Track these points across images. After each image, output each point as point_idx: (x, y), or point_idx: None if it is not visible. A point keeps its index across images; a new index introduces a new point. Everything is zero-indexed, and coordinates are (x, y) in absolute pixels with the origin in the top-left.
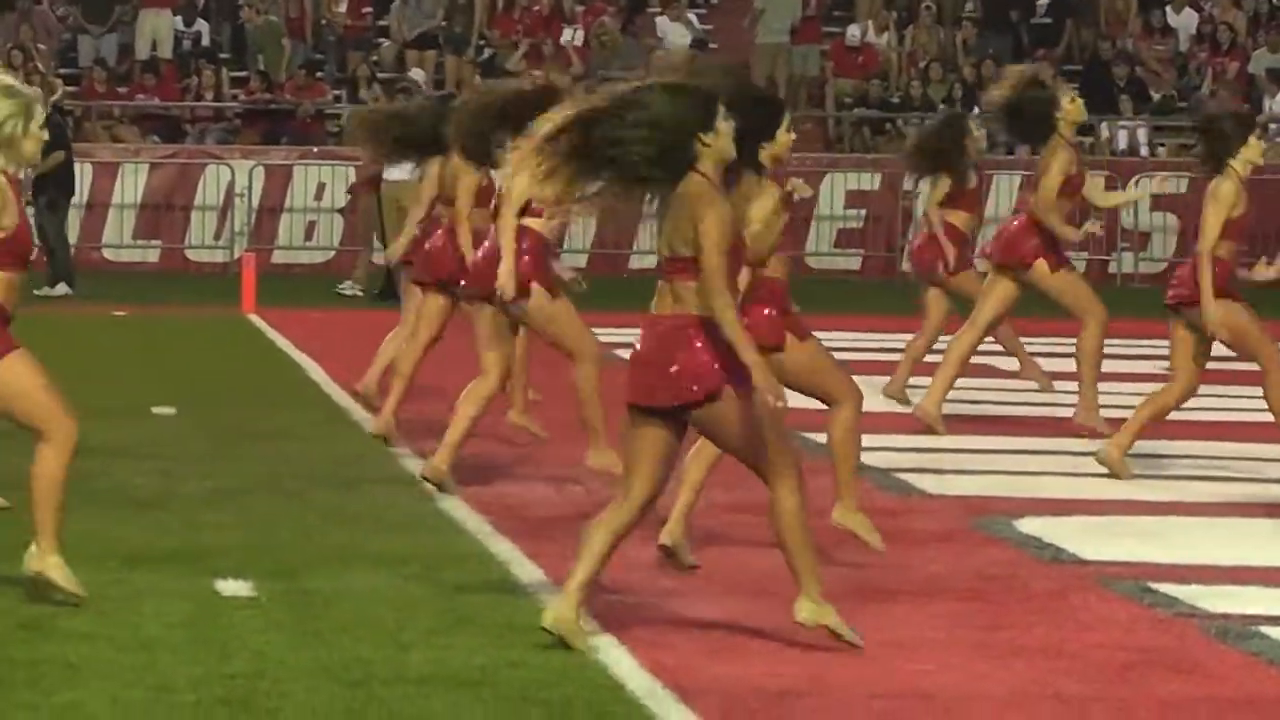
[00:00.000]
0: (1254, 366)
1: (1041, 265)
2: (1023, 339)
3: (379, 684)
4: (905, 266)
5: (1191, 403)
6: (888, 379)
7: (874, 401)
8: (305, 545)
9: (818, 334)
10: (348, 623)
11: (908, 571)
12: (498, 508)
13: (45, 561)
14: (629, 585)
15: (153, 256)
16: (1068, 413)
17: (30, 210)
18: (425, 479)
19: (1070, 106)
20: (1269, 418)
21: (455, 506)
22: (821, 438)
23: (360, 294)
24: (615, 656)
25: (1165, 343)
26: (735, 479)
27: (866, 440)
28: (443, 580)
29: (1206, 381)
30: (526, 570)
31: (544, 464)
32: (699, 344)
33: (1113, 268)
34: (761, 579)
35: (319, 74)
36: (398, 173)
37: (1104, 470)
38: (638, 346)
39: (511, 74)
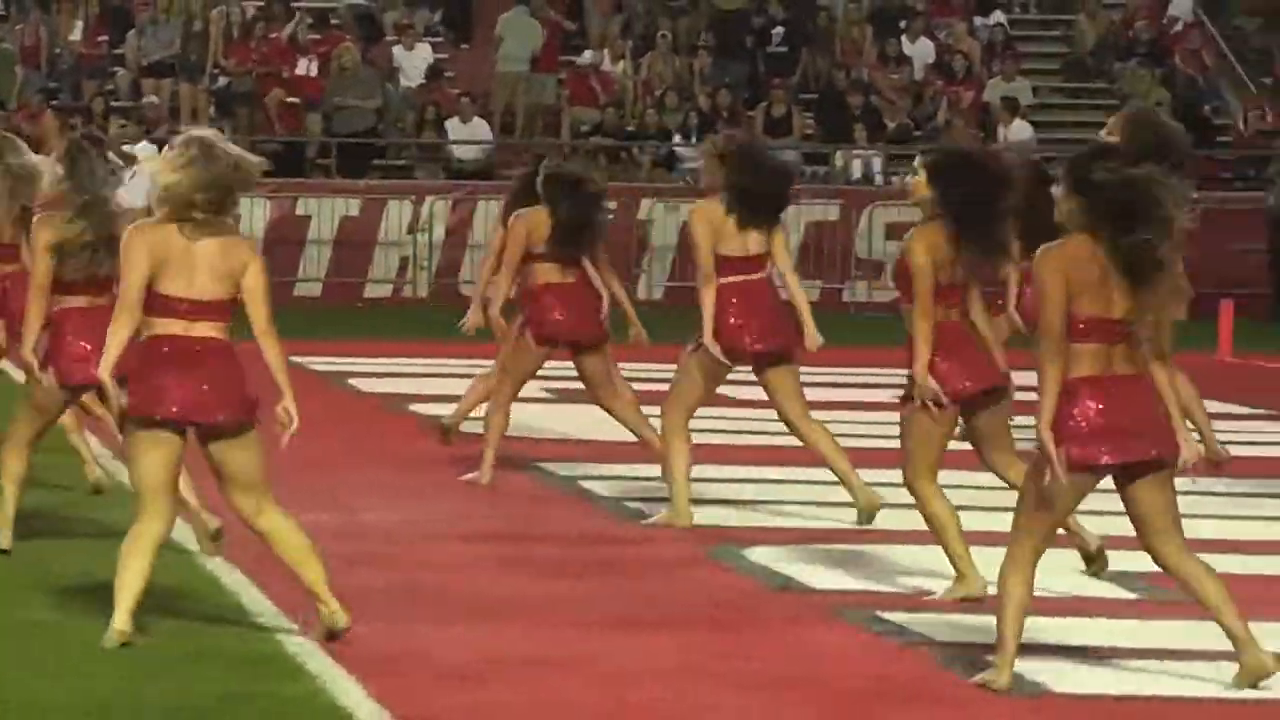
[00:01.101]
0: None
1: None
2: None
3: (118, 714)
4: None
5: None
6: None
7: (608, 432)
8: (42, 573)
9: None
10: (84, 654)
11: (643, 600)
12: (230, 538)
13: None
14: (359, 614)
15: None
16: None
17: None
18: None
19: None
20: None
21: (187, 538)
22: None
23: None
24: (345, 687)
25: (901, 371)
26: (469, 509)
27: (601, 470)
28: (178, 612)
29: None
30: (256, 599)
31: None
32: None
33: (846, 296)
34: (495, 608)
35: (54, 102)
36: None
37: (824, 499)
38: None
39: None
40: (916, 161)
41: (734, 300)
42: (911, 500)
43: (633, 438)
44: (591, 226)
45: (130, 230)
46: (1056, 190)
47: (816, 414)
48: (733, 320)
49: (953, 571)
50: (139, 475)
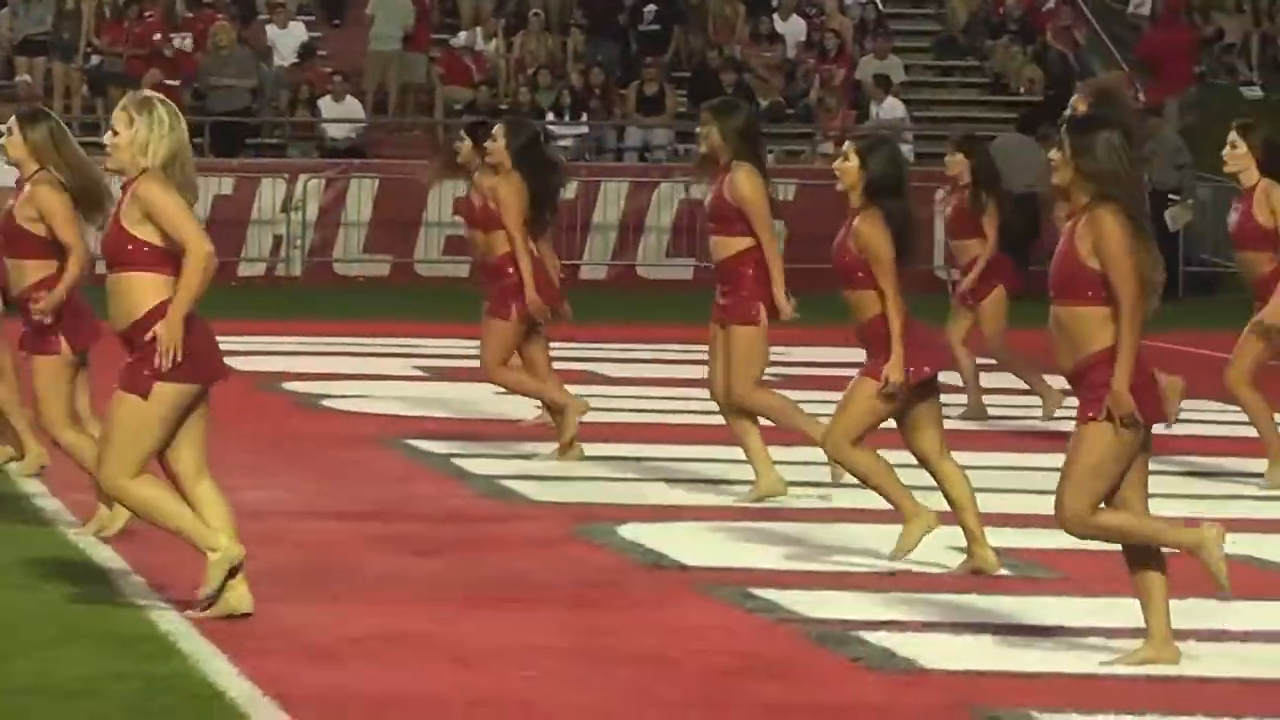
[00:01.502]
0: None
1: None
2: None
3: None
4: None
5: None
6: None
7: (483, 410)
8: None
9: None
10: None
11: (511, 578)
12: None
13: None
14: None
15: None
16: (672, 419)
17: None
18: None
19: None
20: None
21: (59, 515)
22: None
23: None
24: (216, 665)
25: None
26: (339, 487)
27: (472, 448)
28: (45, 590)
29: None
30: (130, 580)
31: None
32: None
33: None
34: (366, 586)
35: None
36: None
37: (697, 476)
38: None
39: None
40: (847, 146)
41: None
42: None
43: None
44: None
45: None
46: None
47: (684, 392)
48: None
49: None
50: (162, 437)
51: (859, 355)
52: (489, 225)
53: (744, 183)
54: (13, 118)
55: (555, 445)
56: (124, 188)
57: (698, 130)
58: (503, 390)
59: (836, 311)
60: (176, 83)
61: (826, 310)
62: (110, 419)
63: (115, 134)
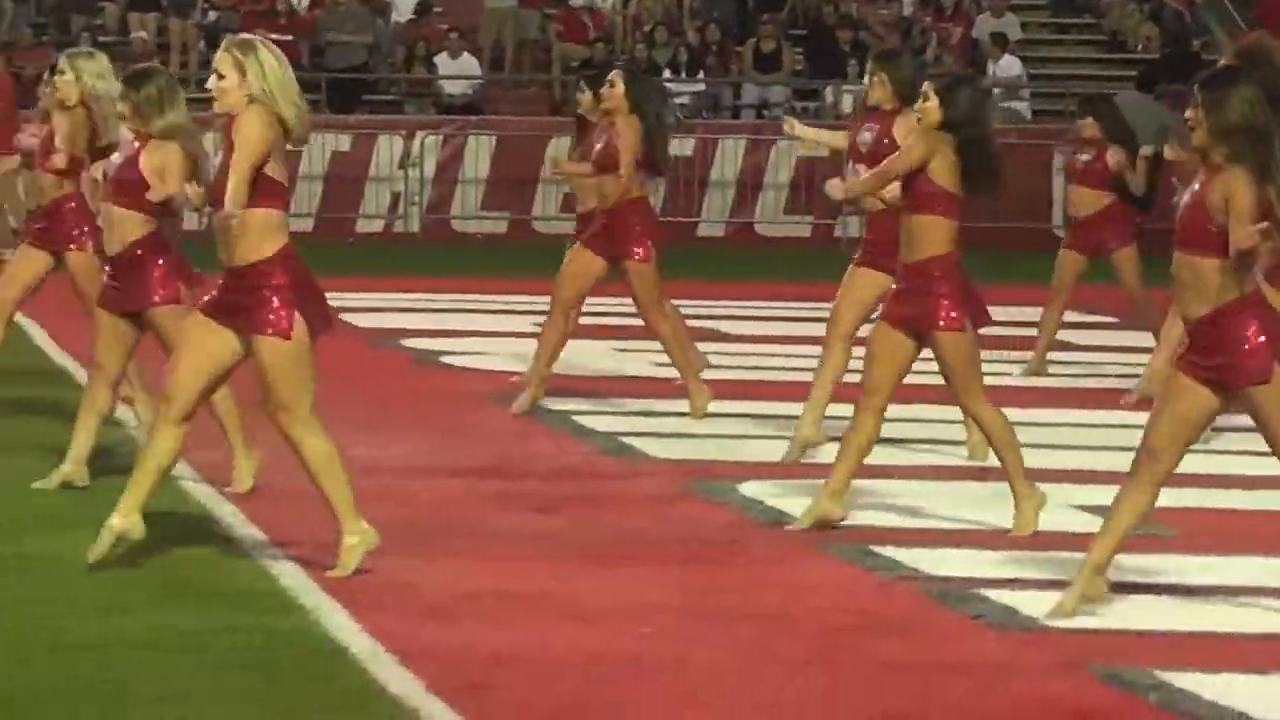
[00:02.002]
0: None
1: None
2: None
3: (97, 649)
4: None
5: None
6: None
7: (603, 367)
8: (22, 510)
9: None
10: (68, 587)
11: (629, 536)
12: (221, 472)
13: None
14: None
15: None
16: (794, 377)
17: None
18: None
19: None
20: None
21: (178, 470)
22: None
23: None
24: (337, 620)
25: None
26: (457, 444)
27: (591, 405)
28: (164, 544)
29: None
30: (248, 533)
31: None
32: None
33: (838, 231)
34: (483, 543)
35: (44, 37)
36: None
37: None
38: None
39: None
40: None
41: None
42: (901, 436)
43: (632, 372)
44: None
45: None
46: None
47: (802, 349)
48: None
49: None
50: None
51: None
52: (609, 170)
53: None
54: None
55: (673, 402)
56: (226, 128)
57: (868, 78)
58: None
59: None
60: (290, 38)
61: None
62: (265, 365)
63: (221, 77)
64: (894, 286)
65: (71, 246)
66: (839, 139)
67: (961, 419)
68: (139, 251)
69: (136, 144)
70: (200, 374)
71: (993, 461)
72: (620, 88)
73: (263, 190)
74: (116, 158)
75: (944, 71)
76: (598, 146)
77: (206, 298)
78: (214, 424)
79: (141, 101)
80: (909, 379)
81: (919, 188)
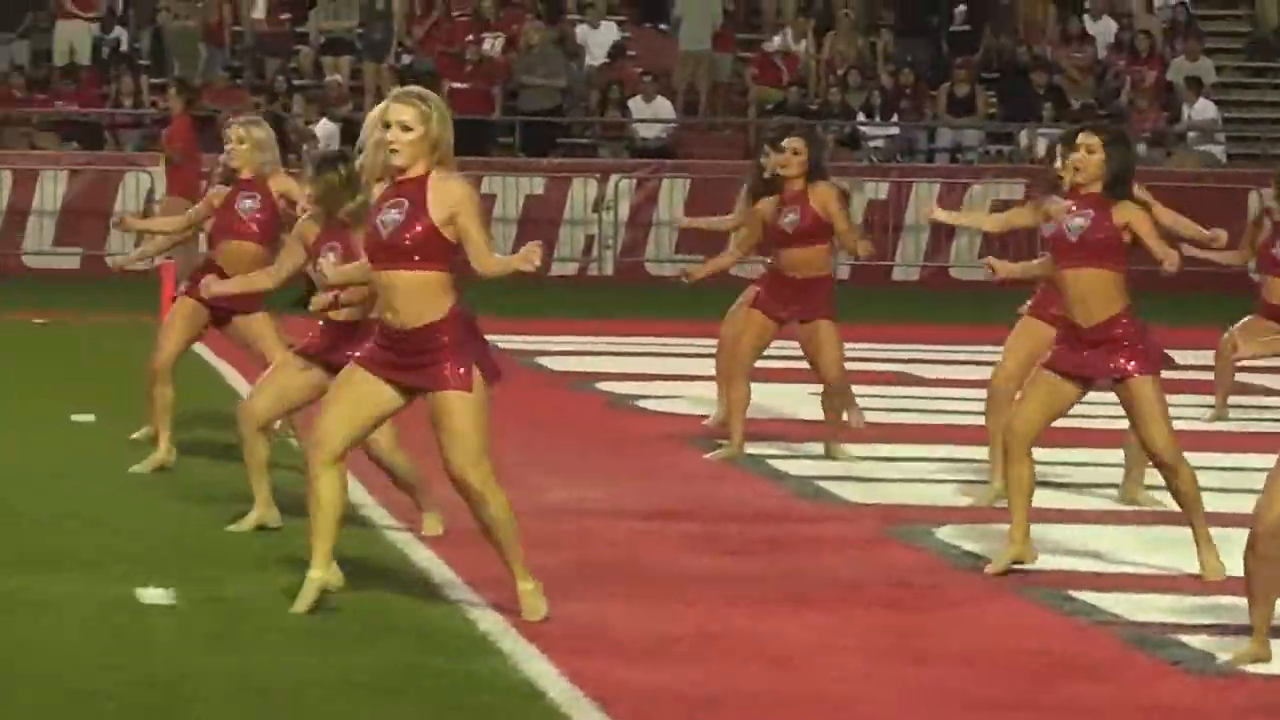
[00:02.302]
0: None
1: None
2: None
3: (298, 690)
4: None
5: (1108, 410)
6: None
7: (796, 411)
8: (224, 551)
9: None
10: (266, 628)
11: (825, 579)
12: (418, 514)
13: None
14: (547, 594)
15: (72, 263)
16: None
17: None
18: None
19: None
20: (1194, 425)
21: (374, 511)
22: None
23: None
24: (536, 665)
25: None
26: (652, 487)
27: (786, 449)
28: (363, 586)
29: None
30: (446, 576)
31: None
32: None
33: None
34: (680, 586)
35: (238, 80)
36: None
37: None
38: None
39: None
40: (1086, 138)
41: None
42: (1098, 480)
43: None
44: None
45: None
46: None
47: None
48: None
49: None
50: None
51: None
52: (816, 239)
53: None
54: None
55: (867, 446)
56: (401, 183)
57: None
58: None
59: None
60: (475, 83)
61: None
62: (451, 420)
63: (407, 129)
64: (1063, 334)
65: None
66: (991, 222)
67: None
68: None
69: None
70: (347, 421)
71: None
72: (804, 155)
73: (444, 252)
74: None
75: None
76: (790, 218)
77: (364, 352)
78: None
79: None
80: (1074, 423)
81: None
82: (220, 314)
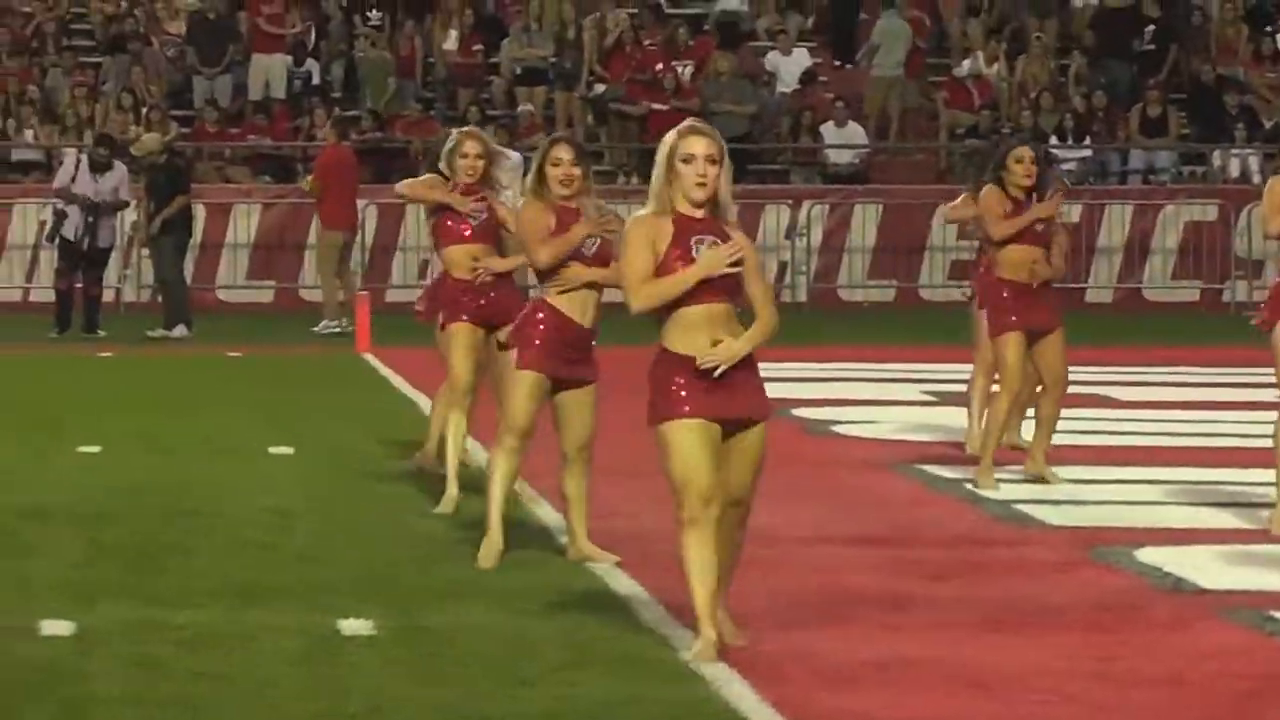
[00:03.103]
0: None
1: None
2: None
3: None
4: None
5: None
6: None
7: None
8: (424, 582)
9: None
10: (467, 660)
11: (1027, 602)
12: (619, 540)
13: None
14: (749, 620)
15: (266, 296)
16: (1187, 442)
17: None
18: None
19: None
20: None
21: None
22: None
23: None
24: (737, 690)
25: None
26: (850, 512)
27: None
28: (562, 616)
29: None
30: (647, 606)
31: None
32: None
33: (1226, 296)
34: (879, 612)
35: (431, 111)
36: None
37: (1213, 499)
38: None
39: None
40: None
41: None
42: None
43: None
44: None
45: None
46: None
47: (1193, 414)
48: None
49: None
50: None
51: None
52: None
53: None
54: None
55: (1065, 468)
56: (698, 220)
57: None
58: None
59: None
60: (665, 107)
61: None
62: (761, 443)
63: (714, 162)
64: None
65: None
66: None
67: None
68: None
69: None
70: (714, 469)
71: None
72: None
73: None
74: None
75: None
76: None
77: (683, 400)
78: (606, 494)
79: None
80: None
81: None
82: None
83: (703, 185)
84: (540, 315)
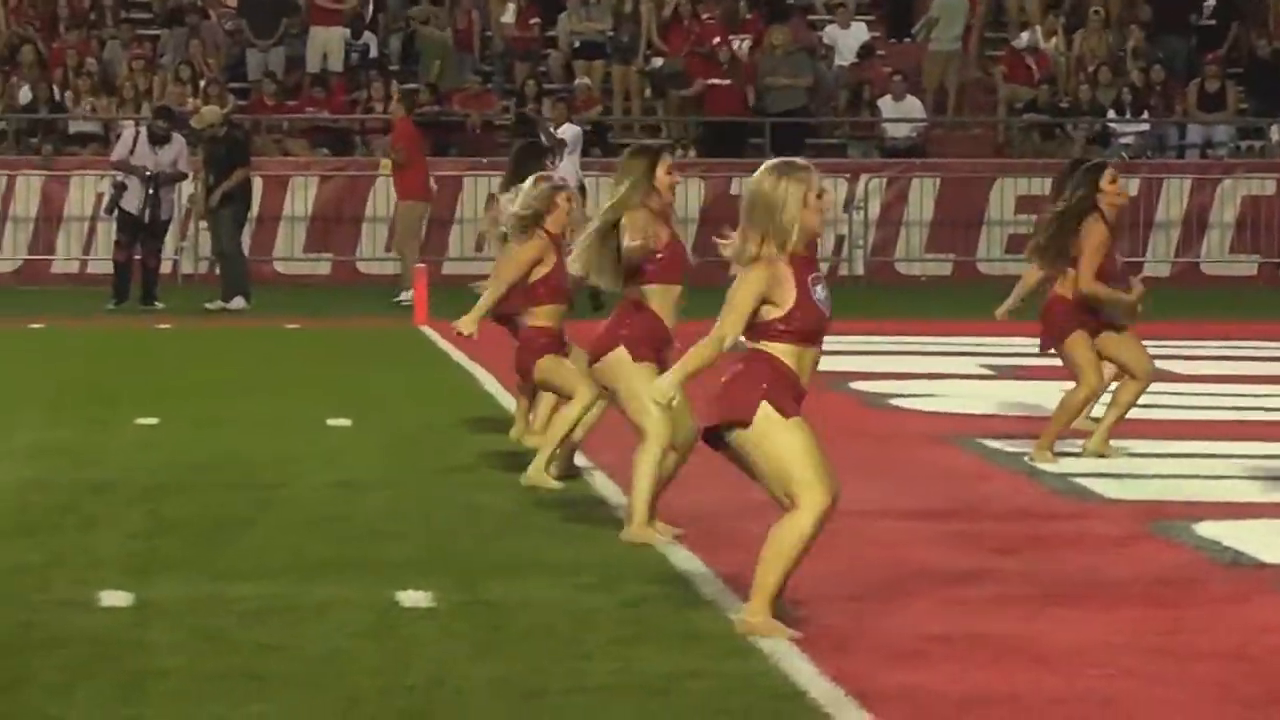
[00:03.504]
0: None
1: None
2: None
3: (558, 694)
4: None
5: None
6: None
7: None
8: (484, 555)
9: None
10: (527, 633)
11: (1087, 576)
12: (677, 516)
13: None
14: (809, 594)
15: (324, 269)
16: (1245, 416)
17: (205, 225)
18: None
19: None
20: None
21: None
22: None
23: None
24: (796, 664)
25: None
26: (911, 486)
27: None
28: (621, 590)
29: None
30: (706, 579)
31: (724, 471)
32: None
33: None
34: (941, 586)
35: (488, 85)
36: None
37: (1272, 472)
38: None
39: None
40: None
41: None
42: None
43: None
44: None
45: None
46: None
47: (1252, 388)
48: None
49: None
50: None
51: None
52: None
53: None
54: None
55: (1124, 442)
56: (809, 259)
57: None
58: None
59: None
60: (728, 82)
61: None
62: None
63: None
64: None
65: None
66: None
67: None
68: None
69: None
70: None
71: None
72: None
73: None
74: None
75: None
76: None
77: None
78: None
79: None
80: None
81: None
82: None
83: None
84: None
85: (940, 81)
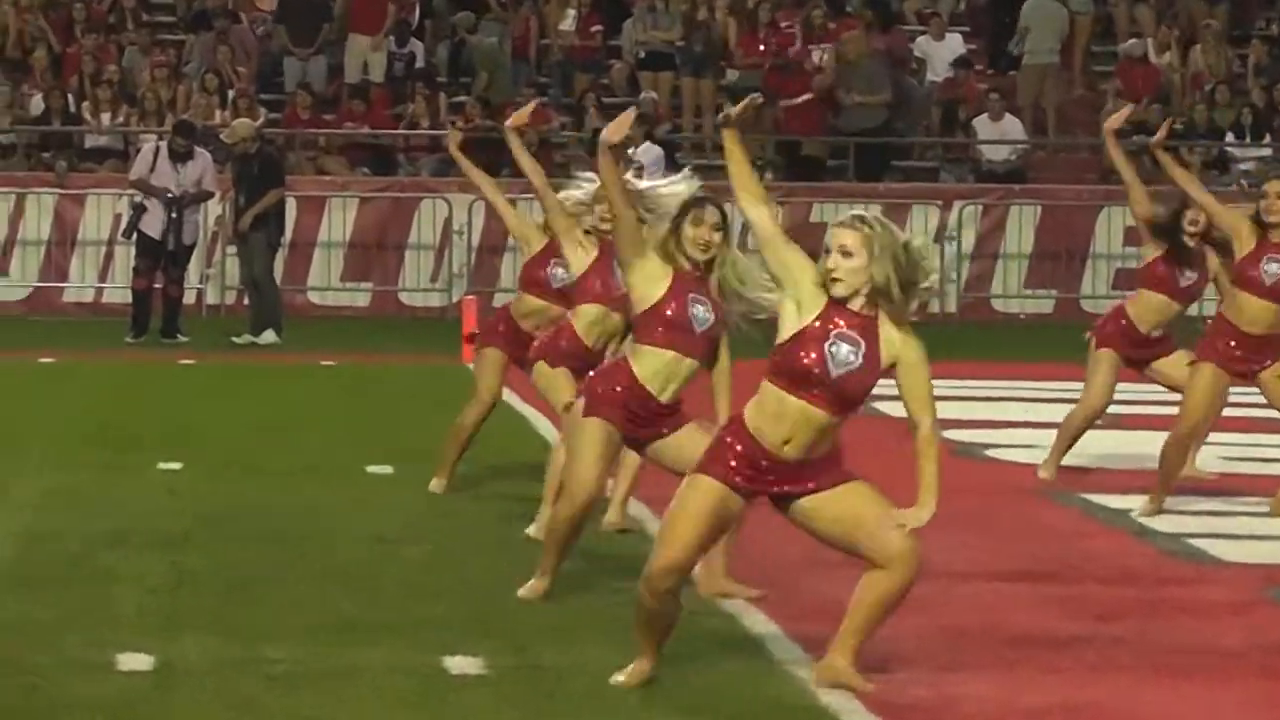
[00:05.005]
0: None
1: None
2: None
3: None
4: None
5: None
6: None
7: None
8: (535, 615)
9: None
10: (584, 700)
11: (1200, 645)
12: (746, 575)
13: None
14: (889, 658)
15: (362, 300)
16: None
17: (233, 250)
18: None
19: None
20: None
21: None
22: None
23: None
24: None
25: None
26: (1007, 544)
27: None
28: (684, 654)
29: None
30: (777, 645)
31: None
32: None
33: None
34: (1040, 653)
35: (544, 98)
36: None
37: None
38: None
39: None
40: None
41: None
42: None
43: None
44: None
45: None
46: None
47: None
48: None
49: None
50: None
51: None
52: None
53: None
54: None
55: (1249, 499)
56: (848, 313)
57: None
58: None
59: None
60: (808, 96)
61: None
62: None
63: (848, 254)
64: None
65: None
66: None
67: None
68: None
69: None
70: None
71: None
72: None
73: None
74: None
75: None
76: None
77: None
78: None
79: None
80: None
81: None
82: None
83: (836, 281)
84: None
85: (1035, 99)
